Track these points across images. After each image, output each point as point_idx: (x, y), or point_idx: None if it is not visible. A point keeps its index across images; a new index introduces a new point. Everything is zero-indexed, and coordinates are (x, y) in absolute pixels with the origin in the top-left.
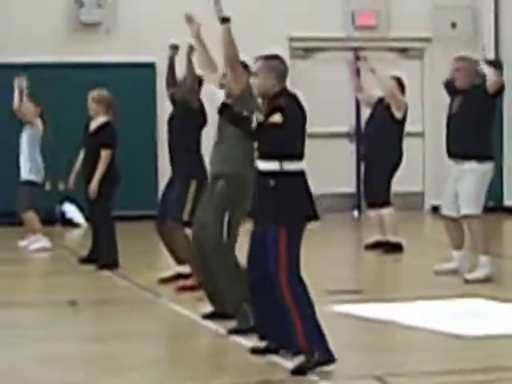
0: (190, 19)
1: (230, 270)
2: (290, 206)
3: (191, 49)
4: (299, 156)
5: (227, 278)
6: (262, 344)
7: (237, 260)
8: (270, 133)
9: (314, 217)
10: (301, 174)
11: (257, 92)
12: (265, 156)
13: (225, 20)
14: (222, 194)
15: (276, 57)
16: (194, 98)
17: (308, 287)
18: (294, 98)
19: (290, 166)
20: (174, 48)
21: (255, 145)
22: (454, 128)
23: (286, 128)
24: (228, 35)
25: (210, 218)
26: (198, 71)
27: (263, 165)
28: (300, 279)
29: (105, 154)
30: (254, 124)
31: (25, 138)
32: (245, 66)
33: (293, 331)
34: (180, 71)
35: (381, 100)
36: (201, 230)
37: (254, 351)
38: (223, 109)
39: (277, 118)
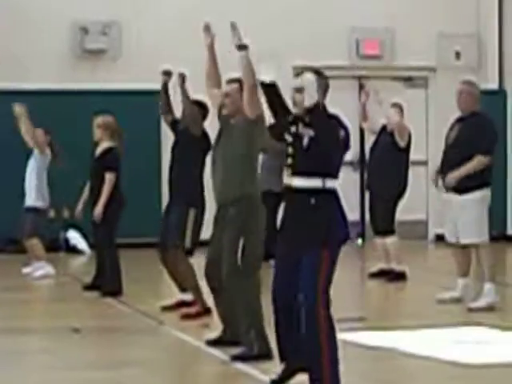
0: (207, 28)
1: (244, 297)
2: (332, 227)
3: (183, 78)
4: (337, 174)
5: (241, 304)
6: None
7: (253, 287)
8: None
9: (348, 238)
10: (337, 193)
11: (300, 108)
12: (304, 173)
13: (242, 47)
14: (233, 222)
15: (321, 72)
16: (195, 127)
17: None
18: (335, 117)
19: (331, 183)
20: (167, 74)
21: (288, 161)
22: (448, 160)
23: (327, 143)
24: (246, 62)
25: (225, 248)
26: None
27: (301, 182)
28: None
29: (109, 178)
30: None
31: (33, 165)
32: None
33: (317, 362)
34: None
35: (385, 127)
36: (212, 266)
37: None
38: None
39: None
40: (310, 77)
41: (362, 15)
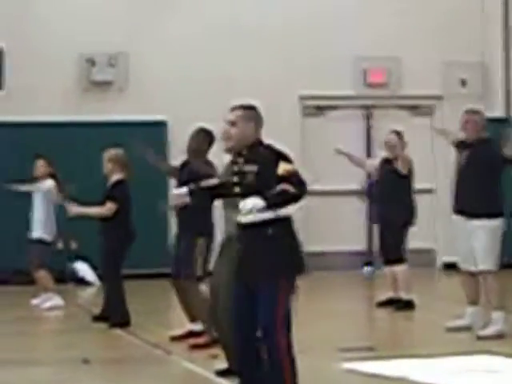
0: None
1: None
2: (289, 255)
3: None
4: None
5: None
6: None
7: None
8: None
9: (304, 269)
10: (291, 220)
11: (233, 142)
12: None
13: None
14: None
15: (253, 107)
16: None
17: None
18: (272, 148)
19: (284, 211)
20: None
21: (237, 200)
22: (461, 184)
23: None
24: None
25: (222, 280)
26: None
27: (256, 216)
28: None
29: (108, 206)
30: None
31: (39, 197)
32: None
33: None
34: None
35: (386, 160)
36: (214, 294)
37: None
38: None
39: (289, 167)
40: (240, 112)
41: (368, 44)
